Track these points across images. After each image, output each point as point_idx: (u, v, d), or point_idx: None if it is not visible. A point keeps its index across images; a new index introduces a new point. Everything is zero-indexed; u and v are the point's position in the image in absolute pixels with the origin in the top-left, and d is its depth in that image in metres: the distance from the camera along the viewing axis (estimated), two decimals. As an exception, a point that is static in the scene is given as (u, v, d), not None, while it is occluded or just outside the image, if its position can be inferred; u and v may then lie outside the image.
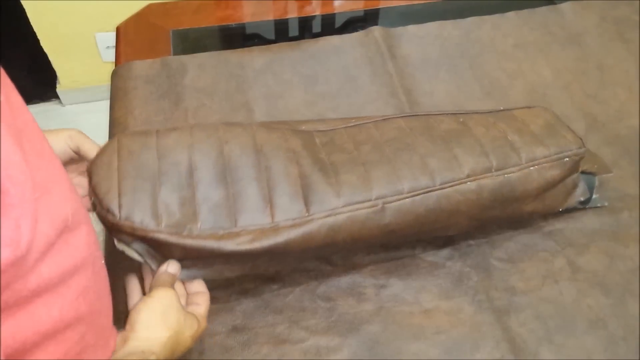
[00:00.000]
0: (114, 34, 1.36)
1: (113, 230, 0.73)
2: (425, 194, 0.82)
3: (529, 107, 1.02)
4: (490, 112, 0.98)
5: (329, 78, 1.22)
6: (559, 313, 0.89)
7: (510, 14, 1.36)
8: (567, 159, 0.91)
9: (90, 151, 0.78)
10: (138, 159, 0.76)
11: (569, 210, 0.99)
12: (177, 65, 1.22)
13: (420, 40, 1.29)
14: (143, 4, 1.41)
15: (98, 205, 0.72)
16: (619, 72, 1.25)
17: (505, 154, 0.88)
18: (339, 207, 0.78)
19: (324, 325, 0.86)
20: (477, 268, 0.92)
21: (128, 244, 0.74)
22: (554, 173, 0.90)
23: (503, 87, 1.21)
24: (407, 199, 0.81)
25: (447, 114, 0.95)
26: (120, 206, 0.71)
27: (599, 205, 1.01)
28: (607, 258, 0.95)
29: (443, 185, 0.83)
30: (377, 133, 0.89)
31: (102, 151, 0.77)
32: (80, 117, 2.26)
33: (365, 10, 1.44)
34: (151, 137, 0.79)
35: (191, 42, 1.33)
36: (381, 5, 1.45)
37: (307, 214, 0.77)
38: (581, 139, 0.94)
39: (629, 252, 0.96)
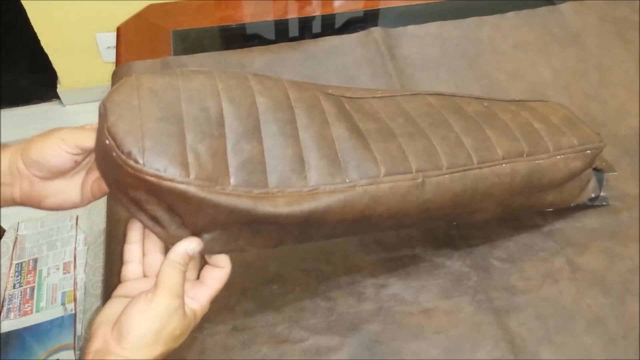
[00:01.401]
0: (114, 34, 1.37)
1: (129, 182, 0.62)
2: (464, 172, 0.79)
3: (543, 101, 1.01)
4: (509, 101, 0.97)
5: (329, 78, 1.22)
6: (559, 313, 0.89)
7: (510, 15, 1.36)
8: (589, 151, 0.91)
9: (87, 142, 0.68)
10: (163, 99, 0.65)
11: (569, 210, 0.99)
12: (177, 65, 1.22)
13: (420, 41, 1.29)
14: (143, 4, 1.41)
15: (115, 149, 0.60)
16: (618, 72, 1.25)
17: (534, 140, 0.87)
18: (380, 175, 0.73)
19: (324, 324, 0.86)
20: (476, 268, 0.92)
21: (142, 205, 0.64)
22: (577, 164, 0.90)
23: (503, 87, 1.21)
24: (446, 175, 0.78)
25: (472, 97, 0.94)
26: (143, 149, 0.60)
27: (604, 204, 1.01)
28: (607, 258, 0.95)
29: (480, 165, 0.80)
30: (407, 107, 0.85)
31: (118, 89, 0.66)
32: (80, 117, 2.27)
33: (365, 11, 1.44)
34: (176, 77, 0.68)
35: (191, 43, 1.33)
36: (381, 5, 1.45)
37: (347, 180, 0.70)
38: (599, 134, 0.94)
39: (629, 251, 0.96)
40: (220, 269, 0.70)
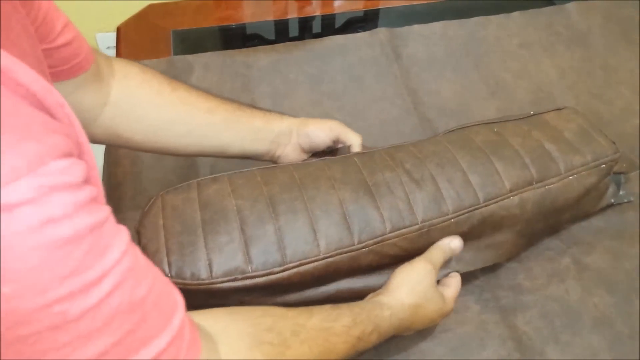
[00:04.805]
0: (114, 34, 1.36)
1: None
2: (470, 213, 0.82)
3: (558, 110, 1.00)
4: (522, 118, 0.98)
5: (334, 77, 1.22)
6: (565, 312, 0.88)
7: (515, 14, 1.36)
8: (604, 165, 0.91)
9: (352, 138, 0.91)
10: (182, 213, 0.77)
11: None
12: (182, 64, 1.22)
13: (426, 40, 1.29)
14: (143, 4, 1.41)
15: None
16: (623, 71, 1.25)
17: (545, 165, 0.88)
18: (386, 233, 0.78)
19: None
20: (483, 267, 0.92)
21: None
22: (592, 180, 0.90)
23: (508, 87, 1.21)
24: (452, 220, 0.81)
25: (481, 124, 0.95)
26: (169, 264, 0.73)
27: (625, 201, 1.00)
28: (613, 257, 0.95)
29: (487, 203, 0.83)
30: (415, 149, 0.88)
31: (148, 211, 0.78)
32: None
33: (365, 11, 1.44)
34: (192, 190, 0.80)
35: (192, 43, 1.33)
36: (381, 5, 1.45)
37: (355, 242, 0.77)
38: (614, 142, 0.94)
39: (635, 251, 0.95)
40: (454, 275, 0.84)
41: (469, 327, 0.86)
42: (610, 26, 1.34)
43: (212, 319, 0.57)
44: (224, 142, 0.88)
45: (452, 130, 0.94)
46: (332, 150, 0.94)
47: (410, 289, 0.75)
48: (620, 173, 0.98)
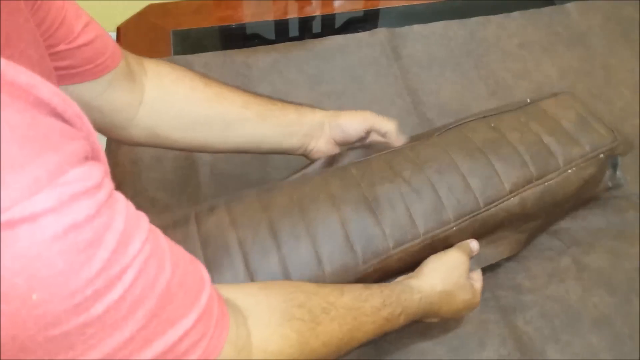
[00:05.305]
0: (114, 34, 1.36)
1: None
2: (472, 219, 0.82)
3: (555, 95, 0.99)
4: (519, 108, 0.96)
5: (334, 77, 1.22)
6: (565, 311, 0.88)
7: (515, 14, 1.36)
8: (602, 155, 0.90)
9: (386, 126, 0.90)
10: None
11: (575, 209, 0.99)
12: (182, 64, 1.20)
13: (426, 40, 1.29)
14: (143, 4, 1.41)
15: None
16: (623, 71, 1.25)
17: (544, 161, 0.87)
18: (389, 249, 0.78)
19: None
20: (484, 266, 0.91)
21: None
22: (590, 171, 0.90)
23: (508, 87, 1.21)
24: (454, 228, 0.81)
25: (477, 118, 0.94)
26: None
27: (622, 182, 0.99)
28: (613, 257, 0.95)
29: (488, 207, 0.83)
30: (412, 154, 0.86)
31: None
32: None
33: (365, 11, 1.44)
34: (191, 224, 0.79)
35: (191, 43, 1.33)
36: (381, 5, 1.45)
37: (360, 263, 0.77)
38: (612, 130, 0.93)
39: (635, 250, 0.95)
40: (477, 272, 0.84)
41: (469, 326, 0.86)
42: (610, 26, 1.34)
43: (244, 294, 0.58)
44: (259, 137, 0.87)
45: (449, 128, 0.93)
46: (365, 145, 0.93)
47: (444, 275, 0.77)
48: (616, 155, 0.96)
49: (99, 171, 0.40)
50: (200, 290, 0.48)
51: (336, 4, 1.44)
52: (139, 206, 0.44)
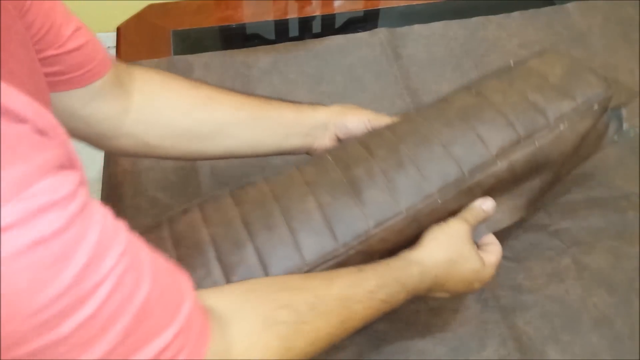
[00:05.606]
0: (114, 34, 1.36)
1: None
2: (457, 190, 0.77)
3: (540, 54, 0.92)
4: (503, 72, 0.89)
5: (334, 78, 1.22)
6: (565, 311, 0.89)
7: (516, 14, 1.36)
8: (597, 105, 0.83)
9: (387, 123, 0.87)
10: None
11: (575, 209, 0.99)
12: (183, 64, 1.22)
13: (426, 40, 1.29)
14: (143, 4, 1.41)
15: None
16: (624, 72, 1.24)
17: (530, 118, 0.81)
18: (370, 229, 0.74)
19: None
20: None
21: None
22: (585, 125, 0.83)
23: (508, 87, 1.20)
24: (438, 201, 0.76)
25: (458, 90, 0.89)
26: None
27: (631, 135, 0.92)
28: (613, 257, 0.95)
29: (473, 174, 0.78)
30: (389, 132, 0.83)
31: None
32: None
33: (365, 11, 1.44)
34: (164, 228, 0.77)
35: (191, 43, 1.33)
36: (381, 5, 1.45)
37: (338, 246, 0.73)
38: (606, 78, 0.86)
39: (635, 250, 0.96)
40: (494, 244, 0.81)
41: (469, 326, 0.87)
42: (610, 26, 1.34)
43: (226, 300, 0.56)
44: (255, 140, 0.85)
45: (427, 106, 0.89)
46: None
47: (444, 243, 0.74)
48: (618, 107, 0.90)
49: (72, 181, 0.38)
50: (180, 303, 0.46)
51: (336, 4, 1.44)
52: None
